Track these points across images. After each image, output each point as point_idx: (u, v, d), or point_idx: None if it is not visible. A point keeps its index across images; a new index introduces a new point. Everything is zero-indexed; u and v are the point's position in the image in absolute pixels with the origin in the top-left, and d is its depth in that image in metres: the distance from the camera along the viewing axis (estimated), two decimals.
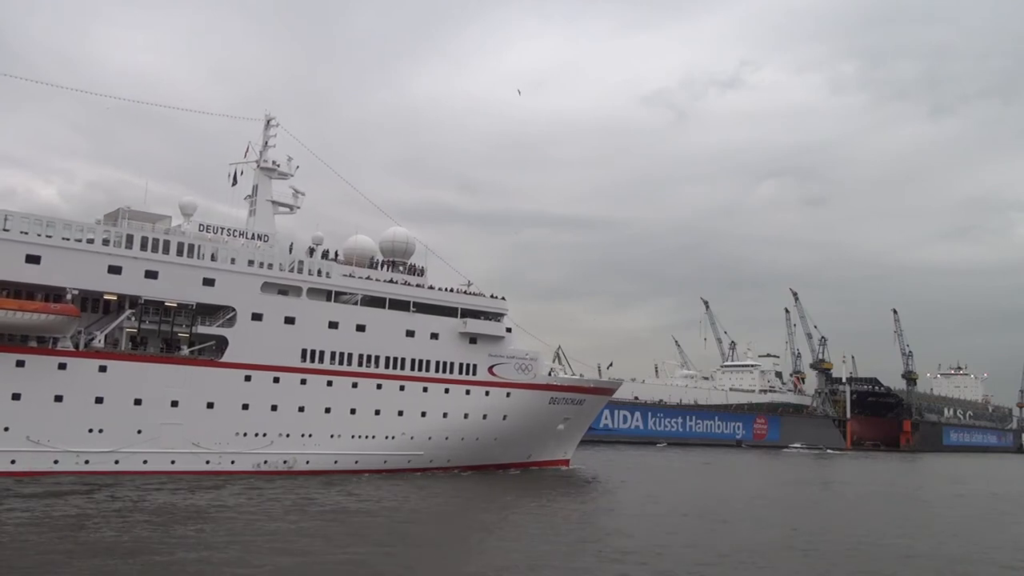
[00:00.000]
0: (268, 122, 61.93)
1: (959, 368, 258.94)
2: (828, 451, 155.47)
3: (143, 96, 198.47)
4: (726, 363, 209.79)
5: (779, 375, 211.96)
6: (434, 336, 61.12)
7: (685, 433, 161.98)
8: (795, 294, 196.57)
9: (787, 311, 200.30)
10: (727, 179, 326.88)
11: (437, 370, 60.98)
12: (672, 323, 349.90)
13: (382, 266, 62.71)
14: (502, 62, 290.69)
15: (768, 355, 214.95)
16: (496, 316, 64.77)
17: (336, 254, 61.27)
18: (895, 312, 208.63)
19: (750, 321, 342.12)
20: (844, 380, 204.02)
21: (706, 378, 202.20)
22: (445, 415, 60.67)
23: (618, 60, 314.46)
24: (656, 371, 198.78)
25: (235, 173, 60.88)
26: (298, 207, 62.06)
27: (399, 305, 60.19)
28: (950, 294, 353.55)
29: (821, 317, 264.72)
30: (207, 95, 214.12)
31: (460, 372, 61.97)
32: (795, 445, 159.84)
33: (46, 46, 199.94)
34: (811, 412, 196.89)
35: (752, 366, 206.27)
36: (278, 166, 61.04)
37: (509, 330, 65.00)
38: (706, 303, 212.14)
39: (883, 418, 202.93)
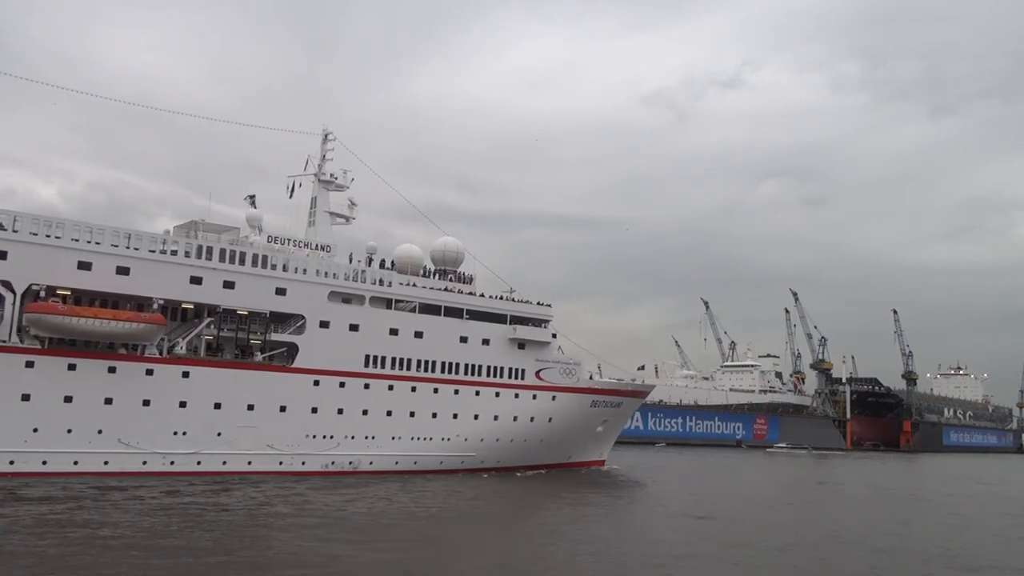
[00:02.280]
0: (325, 136, 66.67)
1: (959, 368, 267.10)
2: (813, 451, 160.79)
3: (143, 96, 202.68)
4: (726, 363, 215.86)
5: (779, 375, 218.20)
6: (485, 342, 66.14)
7: (685, 433, 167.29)
8: (795, 294, 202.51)
9: (787, 311, 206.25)
10: (727, 179, 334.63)
11: (488, 374, 65.99)
12: (672, 323, 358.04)
13: (434, 275, 67.57)
14: (502, 62, 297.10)
15: (768, 355, 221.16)
16: (542, 322, 69.92)
17: (392, 263, 66.05)
18: (895, 312, 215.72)
19: (750, 321, 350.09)
20: (844, 380, 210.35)
21: (706, 378, 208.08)
22: (496, 418, 65.70)
23: (618, 60, 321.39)
24: (656, 371, 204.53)
25: (293, 185, 65.50)
26: (353, 218, 66.93)
27: (453, 312, 65.14)
28: (950, 294, 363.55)
29: (821, 317, 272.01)
30: (207, 95, 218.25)
31: (509, 376, 67.05)
32: (780, 445, 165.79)
33: (46, 46, 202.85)
34: (811, 412, 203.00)
35: (752, 366, 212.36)
36: (335, 179, 65.76)
37: (554, 335, 70.25)
38: (706, 303, 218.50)
39: (883, 418, 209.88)
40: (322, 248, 62.28)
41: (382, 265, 65.09)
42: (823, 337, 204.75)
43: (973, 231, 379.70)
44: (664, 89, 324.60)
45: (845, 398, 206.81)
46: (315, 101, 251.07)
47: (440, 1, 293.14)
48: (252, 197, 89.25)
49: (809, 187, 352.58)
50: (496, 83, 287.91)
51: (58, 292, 50.69)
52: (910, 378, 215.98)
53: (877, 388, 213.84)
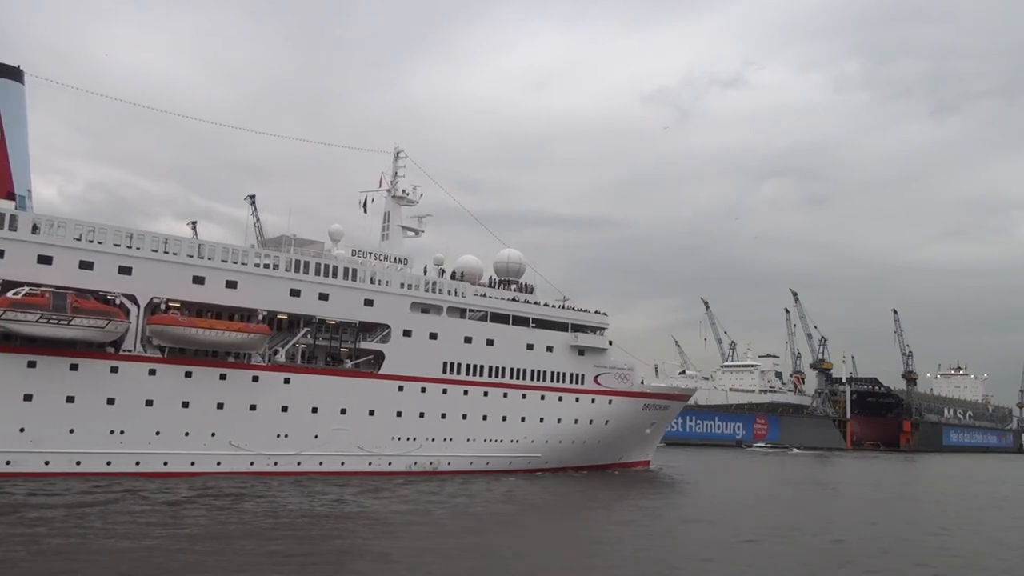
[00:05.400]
0: (397, 154, 73.35)
1: (959, 368, 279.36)
2: (795, 450, 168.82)
3: (144, 96, 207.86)
4: (726, 363, 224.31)
5: (779, 375, 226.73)
6: (549, 349, 73.34)
7: (685, 433, 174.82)
8: (795, 294, 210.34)
9: (787, 311, 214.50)
10: (728, 179, 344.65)
11: (552, 380, 73.21)
12: (672, 323, 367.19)
13: (498, 285, 74.69)
14: (503, 61, 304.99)
15: (768, 355, 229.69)
16: (600, 330, 77.33)
17: (462, 275, 72.96)
18: (895, 312, 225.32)
19: (750, 321, 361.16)
20: (844, 380, 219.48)
21: (706, 378, 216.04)
22: (559, 420, 72.92)
23: (620, 59, 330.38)
24: (656, 371, 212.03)
25: (366, 200, 72.17)
26: (423, 231, 73.82)
27: (520, 321, 72.26)
28: (950, 294, 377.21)
29: (821, 317, 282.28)
30: (208, 95, 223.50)
31: (570, 381, 74.36)
32: (760, 444, 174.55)
33: (47, 45, 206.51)
34: (811, 412, 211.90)
35: (752, 366, 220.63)
36: (407, 194, 72.59)
37: (611, 342, 77.75)
38: (706, 303, 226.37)
39: (883, 418, 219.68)
40: (399, 260, 69.09)
41: (453, 276, 72.09)
42: (823, 337, 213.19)
43: (974, 231, 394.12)
44: (666, 88, 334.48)
45: (845, 398, 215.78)
46: (315, 100, 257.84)
47: (441, 0, 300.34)
48: (252, 197, 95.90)
49: (810, 187, 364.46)
50: (497, 82, 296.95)
51: (169, 304, 57.10)
52: (910, 378, 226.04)
53: (877, 388, 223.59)
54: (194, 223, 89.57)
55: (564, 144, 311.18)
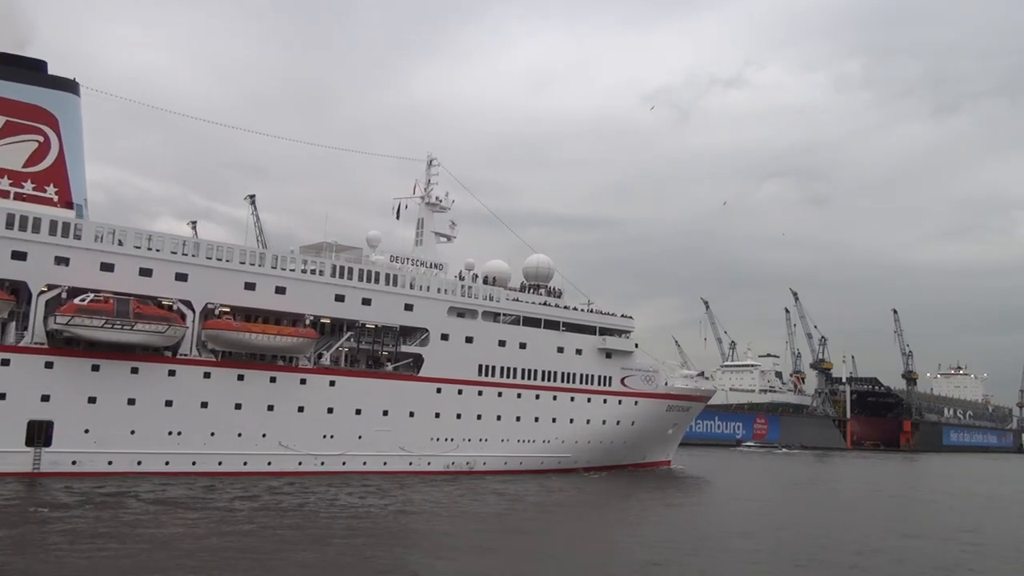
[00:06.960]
0: (430, 162, 76.69)
1: (959, 368, 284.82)
2: (785, 450, 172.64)
3: (143, 96, 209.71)
4: (726, 363, 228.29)
5: (779, 375, 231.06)
6: (579, 352, 76.70)
7: (686, 433, 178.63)
8: (795, 294, 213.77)
9: (787, 311, 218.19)
10: (729, 179, 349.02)
11: (581, 382, 76.62)
12: (672, 323, 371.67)
13: (529, 289, 78.06)
14: (504, 61, 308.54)
15: (768, 355, 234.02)
16: (626, 333, 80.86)
17: (494, 280, 76.25)
18: (895, 312, 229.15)
19: (750, 321, 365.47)
20: (844, 380, 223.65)
21: (706, 378, 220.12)
22: (588, 422, 76.36)
23: (621, 58, 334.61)
24: None
25: (399, 207, 75.39)
26: (454, 237, 77.07)
27: (551, 324, 75.59)
28: (950, 294, 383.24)
29: (821, 317, 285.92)
30: (208, 94, 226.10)
31: (599, 383, 77.77)
32: (749, 444, 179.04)
33: (46, 44, 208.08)
34: (811, 412, 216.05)
35: (752, 366, 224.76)
36: (440, 201, 75.81)
37: (637, 345, 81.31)
38: (706, 303, 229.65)
39: (883, 418, 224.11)
40: (435, 266, 72.36)
41: (485, 281, 75.40)
42: (823, 337, 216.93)
43: (974, 231, 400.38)
44: (666, 88, 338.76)
45: (845, 398, 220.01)
46: (315, 100, 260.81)
47: (441, 0, 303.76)
48: (252, 197, 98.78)
49: (810, 186, 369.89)
50: (497, 82, 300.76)
51: (219, 309, 60.14)
52: (910, 378, 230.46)
53: (877, 388, 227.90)
54: (194, 223, 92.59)
55: (564, 144, 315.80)
